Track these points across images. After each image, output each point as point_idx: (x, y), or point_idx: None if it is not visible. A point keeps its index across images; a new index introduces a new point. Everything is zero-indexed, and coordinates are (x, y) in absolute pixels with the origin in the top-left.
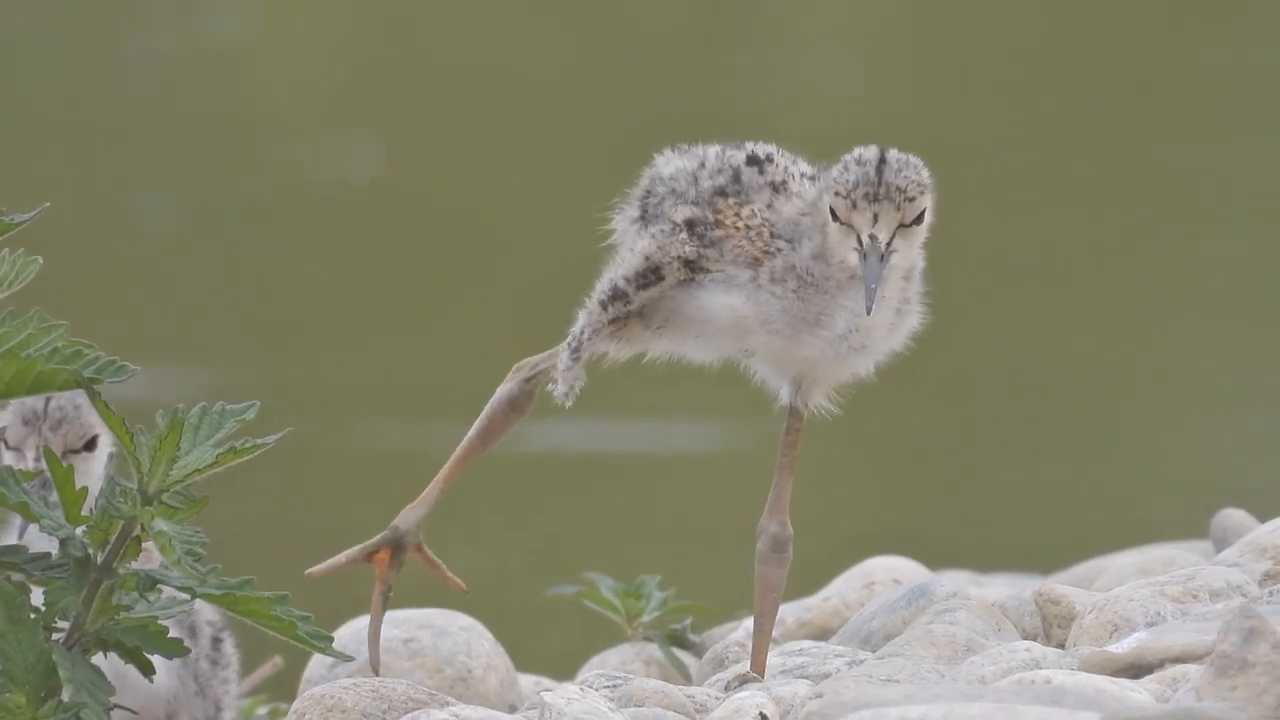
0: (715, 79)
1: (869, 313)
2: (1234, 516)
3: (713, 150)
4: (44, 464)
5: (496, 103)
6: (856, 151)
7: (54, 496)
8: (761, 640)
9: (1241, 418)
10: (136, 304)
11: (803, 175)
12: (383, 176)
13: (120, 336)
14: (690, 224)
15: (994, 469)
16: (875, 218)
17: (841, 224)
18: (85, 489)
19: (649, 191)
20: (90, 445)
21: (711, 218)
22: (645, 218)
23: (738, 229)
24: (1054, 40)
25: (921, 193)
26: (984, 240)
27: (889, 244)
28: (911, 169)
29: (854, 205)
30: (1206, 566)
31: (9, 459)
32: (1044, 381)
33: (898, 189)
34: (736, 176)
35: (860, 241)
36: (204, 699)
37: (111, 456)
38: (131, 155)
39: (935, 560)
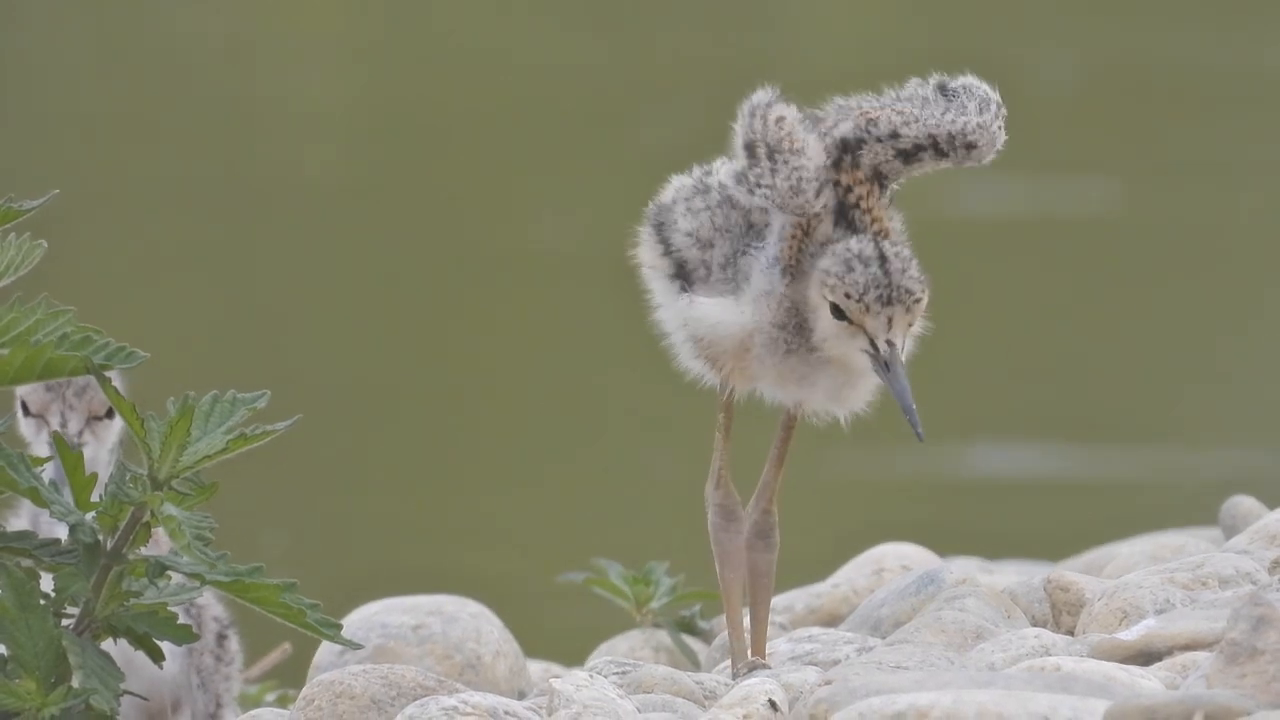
0: (728, 35)
1: (921, 438)
2: (1244, 504)
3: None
4: (69, 430)
5: (501, 90)
6: (851, 245)
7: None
8: (759, 627)
9: (1251, 404)
10: (145, 290)
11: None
12: (391, 167)
13: (129, 323)
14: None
15: (1002, 455)
16: (890, 321)
17: (851, 324)
18: (95, 475)
19: (661, 222)
20: (113, 412)
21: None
22: (668, 251)
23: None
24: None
25: (925, 290)
26: (991, 222)
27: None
28: (911, 265)
29: (866, 309)
30: (1216, 554)
31: (29, 427)
32: (1052, 368)
33: (907, 291)
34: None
35: (874, 346)
36: (205, 693)
37: (121, 442)
38: (140, 143)
39: (945, 547)
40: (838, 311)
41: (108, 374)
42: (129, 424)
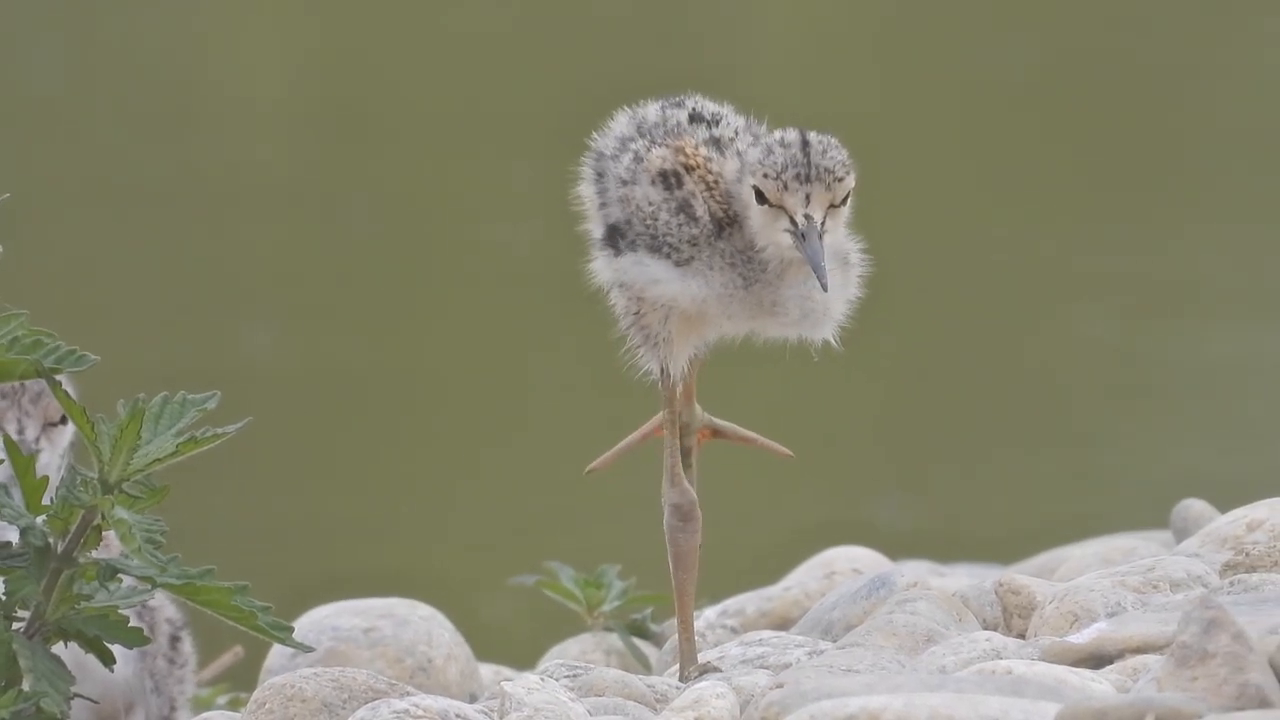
0: (673, 49)
1: (826, 288)
2: (1195, 507)
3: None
4: (27, 437)
5: (451, 86)
6: (776, 134)
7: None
8: (685, 630)
9: (1202, 408)
10: (94, 289)
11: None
12: (340, 163)
13: (80, 324)
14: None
15: (955, 459)
16: (808, 198)
17: (771, 206)
18: (46, 478)
19: (601, 151)
20: (66, 418)
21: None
22: (602, 190)
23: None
24: (1026, 13)
25: (848, 172)
26: (943, 226)
27: (822, 224)
28: (835, 149)
29: (785, 186)
30: (1167, 557)
31: None
32: (1005, 371)
33: (826, 169)
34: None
35: (794, 222)
36: (159, 696)
37: (72, 445)
38: (86, 145)
39: (896, 550)
40: (760, 196)
41: (58, 377)
42: (79, 427)
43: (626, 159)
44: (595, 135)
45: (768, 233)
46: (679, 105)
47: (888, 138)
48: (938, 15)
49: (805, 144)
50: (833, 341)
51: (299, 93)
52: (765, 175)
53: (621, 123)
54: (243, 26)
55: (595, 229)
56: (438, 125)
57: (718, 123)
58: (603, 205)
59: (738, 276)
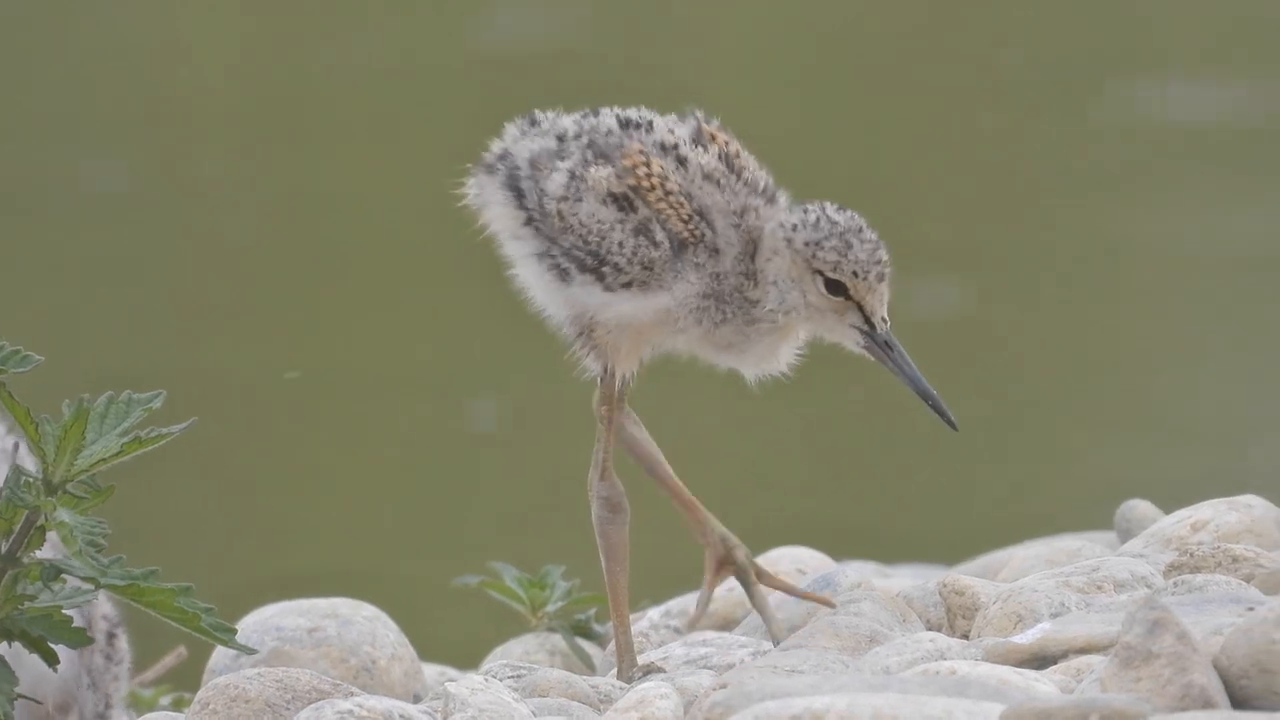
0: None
1: (955, 427)
2: (1139, 508)
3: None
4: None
5: (402, 90)
6: (841, 220)
7: None
8: (621, 623)
9: (1146, 409)
10: (40, 291)
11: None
12: (287, 167)
13: (26, 323)
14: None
15: (899, 460)
16: (883, 299)
17: (847, 300)
18: None
19: (515, 167)
20: None
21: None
22: (522, 202)
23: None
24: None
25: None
26: (888, 227)
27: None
28: (877, 236)
29: (870, 288)
30: (1111, 558)
31: None
32: (948, 372)
33: (887, 263)
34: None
35: (870, 324)
36: (95, 693)
37: (16, 445)
38: (36, 144)
39: (840, 551)
40: (836, 287)
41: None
42: (23, 428)
43: (558, 178)
44: (491, 155)
45: (824, 320)
46: (596, 115)
47: (836, 143)
48: (892, 17)
49: (861, 230)
50: (750, 380)
51: (245, 94)
52: (855, 274)
53: (529, 142)
54: (187, 29)
55: (524, 246)
56: (386, 128)
57: (651, 127)
58: (530, 221)
59: (714, 309)
